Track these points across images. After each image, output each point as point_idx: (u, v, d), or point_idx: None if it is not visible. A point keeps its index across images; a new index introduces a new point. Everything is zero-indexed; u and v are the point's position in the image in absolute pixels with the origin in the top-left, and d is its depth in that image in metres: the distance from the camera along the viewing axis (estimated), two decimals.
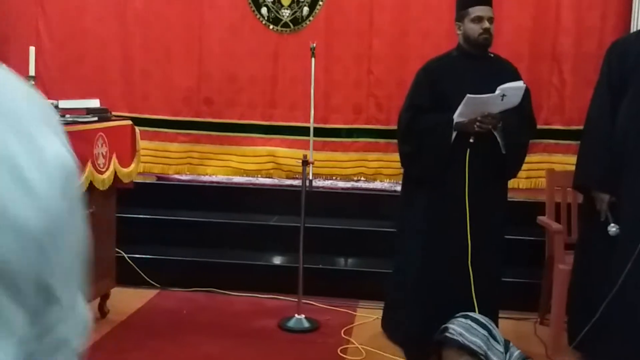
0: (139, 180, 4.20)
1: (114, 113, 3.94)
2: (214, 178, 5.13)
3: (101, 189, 3.41)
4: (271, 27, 5.14)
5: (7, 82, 0.66)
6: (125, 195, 3.79)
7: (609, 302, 2.62)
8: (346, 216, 4.62)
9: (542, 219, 3.65)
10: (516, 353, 2.39)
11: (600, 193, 2.86)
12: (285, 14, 5.13)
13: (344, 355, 3.32)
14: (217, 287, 4.17)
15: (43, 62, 5.05)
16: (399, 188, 4.72)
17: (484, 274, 3.08)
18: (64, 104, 3.47)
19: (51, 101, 3.48)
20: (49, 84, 5.16)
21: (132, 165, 3.76)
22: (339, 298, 4.03)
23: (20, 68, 4.27)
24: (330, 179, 5.07)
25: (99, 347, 3.31)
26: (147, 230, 4.48)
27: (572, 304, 2.97)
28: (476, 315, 2.48)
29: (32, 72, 3.99)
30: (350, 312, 3.90)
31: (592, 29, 4.84)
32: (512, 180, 3.52)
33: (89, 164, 3.28)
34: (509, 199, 3.39)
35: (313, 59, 3.96)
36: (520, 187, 4.72)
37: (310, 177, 3.81)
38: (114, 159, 3.56)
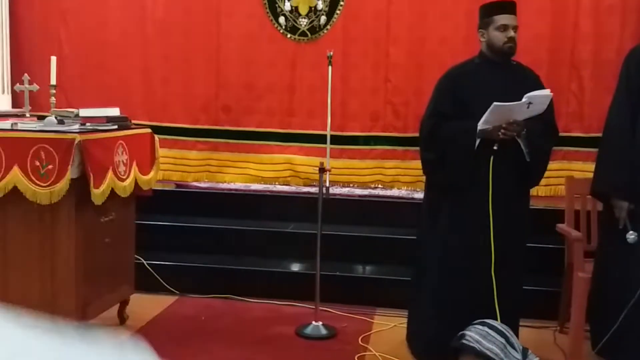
0: (158, 187, 4.25)
1: (134, 121, 3.99)
2: (231, 185, 5.17)
3: (123, 196, 3.45)
4: (289, 35, 5.18)
5: None
6: (145, 202, 3.83)
7: (629, 309, 2.59)
8: (363, 223, 4.62)
9: (561, 226, 3.62)
10: None
11: (619, 200, 2.83)
12: (303, 22, 5.16)
13: None
14: (235, 293, 4.20)
15: (64, 71, 5.12)
16: (416, 195, 4.75)
17: (507, 283, 3.06)
18: (84, 112, 3.51)
19: (71, 109, 3.55)
20: (70, 92, 5.25)
21: (152, 173, 3.80)
22: (357, 305, 4.03)
23: (42, 77, 4.39)
24: (347, 187, 5.08)
25: None
26: (166, 237, 4.53)
27: (592, 312, 2.93)
28: (493, 322, 2.46)
29: (53, 81, 4.06)
30: (367, 319, 3.90)
31: (611, 35, 4.80)
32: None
33: (110, 172, 3.32)
34: None
35: (330, 67, 3.99)
36: (540, 194, 4.69)
37: (327, 185, 3.82)
38: (135, 167, 3.59)
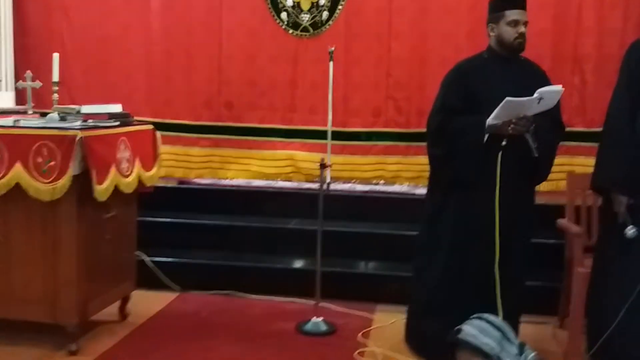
0: (161, 184, 4.26)
1: (138, 118, 4.01)
2: (234, 182, 5.18)
3: (127, 192, 3.48)
4: (291, 31, 5.17)
5: None
6: (147, 199, 3.84)
7: (625, 311, 2.58)
8: (365, 219, 4.63)
9: (561, 221, 3.62)
10: (531, 355, 2.37)
11: (618, 195, 2.82)
12: (305, 18, 5.16)
13: (361, 358, 3.33)
14: (237, 290, 4.22)
15: (68, 68, 5.14)
16: (418, 191, 4.74)
17: (510, 278, 3.06)
18: (86, 109, 3.54)
19: (74, 106, 3.57)
20: (74, 89, 5.27)
21: (154, 169, 3.82)
22: (357, 302, 4.04)
23: (44, 74, 4.41)
24: (349, 183, 5.08)
25: (119, 349, 3.37)
26: (168, 234, 4.55)
27: (590, 308, 2.93)
28: (490, 316, 2.47)
29: (55, 78, 4.09)
30: (367, 315, 3.91)
31: (614, 30, 4.77)
32: None
33: (113, 168, 3.34)
34: None
35: (331, 63, 3.99)
36: (541, 189, 4.63)
37: (328, 180, 3.82)
38: (137, 163, 3.61)
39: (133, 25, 5.32)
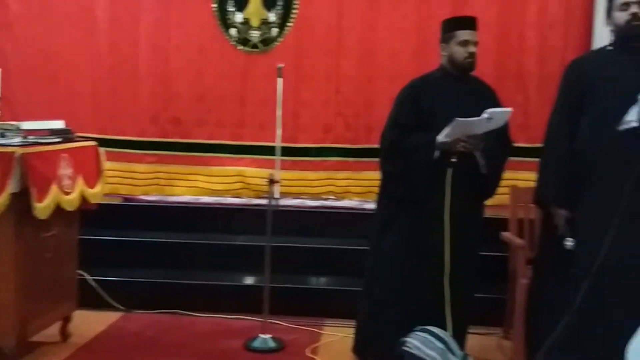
0: (105, 201, 4.17)
1: (82, 134, 3.94)
2: (181, 198, 5.11)
3: (68, 209, 3.39)
4: (240, 47, 5.17)
5: None
6: (91, 216, 3.75)
7: (565, 321, 2.63)
8: (315, 235, 4.62)
9: (505, 234, 3.70)
10: None
11: (557, 208, 2.90)
12: (255, 34, 5.17)
13: None
14: (183, 308, 4.13)
15: (10, 84, 5.01)
16: (367, 206, 4.77)
17: (459, 292, 3.11)
18: (26, 125, 3.44)
19: (13, 122, 3.47)
20: (17, 105, 5.12)
21: (98, 186, 3.73)
22: (306, 317, 4.02)
23: None
24: (299, 198, 5.08)
25: None
26: (112, 252, 4.44)
27: (529, 319, 2.99)
28: (434, 328, 2.50)
29: None
30: (316, 330, 3.89)
31: (555, 49, 4.94)
32: None
33: (54, 185, 3.26)
34: None
35: (280, 80, 3.98)
36: (486, 203, 4.74)
37: (277, 196, 3.81)
38: (80, 180, 3.53)
39: (79, 40, 5.23)
